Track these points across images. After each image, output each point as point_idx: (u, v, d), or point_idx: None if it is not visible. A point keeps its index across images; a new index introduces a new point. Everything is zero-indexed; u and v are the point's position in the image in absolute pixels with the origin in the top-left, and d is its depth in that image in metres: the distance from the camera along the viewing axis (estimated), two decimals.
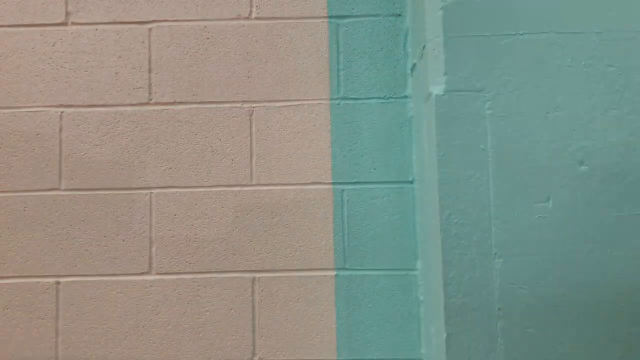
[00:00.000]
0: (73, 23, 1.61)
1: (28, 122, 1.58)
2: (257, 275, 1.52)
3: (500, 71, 1.22)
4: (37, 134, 1.57)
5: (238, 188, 1.55)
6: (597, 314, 1.17)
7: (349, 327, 1.51)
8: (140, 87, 1.59)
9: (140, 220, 1.54)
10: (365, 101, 1.57)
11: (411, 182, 1.54)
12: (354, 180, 1.54)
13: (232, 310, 1.52)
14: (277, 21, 1.59)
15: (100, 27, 1.60)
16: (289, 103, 1.57)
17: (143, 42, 1.60)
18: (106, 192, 1.55)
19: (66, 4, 1.61)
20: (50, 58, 1.60)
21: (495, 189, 1.19)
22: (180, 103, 1.57)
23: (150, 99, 1.58)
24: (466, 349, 1.17)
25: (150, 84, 1.59)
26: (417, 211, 1.51)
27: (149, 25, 1.60)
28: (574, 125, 1.20)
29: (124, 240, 1.54)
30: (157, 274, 1.54)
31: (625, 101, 1.21)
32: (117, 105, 1.58)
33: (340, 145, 1.56)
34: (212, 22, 1.59)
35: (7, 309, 1.53)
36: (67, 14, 1.61)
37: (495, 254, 1.18)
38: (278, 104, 1.57)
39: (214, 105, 1.57)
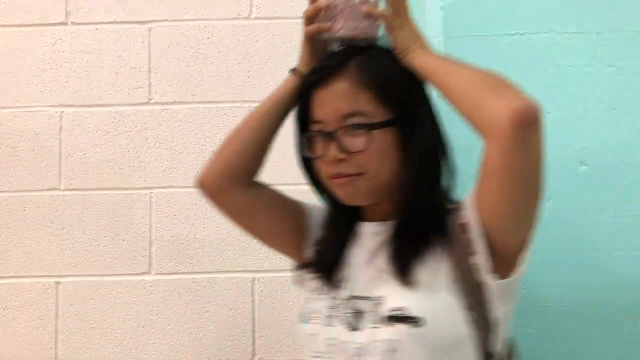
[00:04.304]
0: (73, 23, 1.61)
1: (28, 122, 1.57)
2: (257, 275, 1.52)
3: (500, 71, 1.22)
4: (37, 134, 1.57)
5: None
6: (597, 313, 1.17)
7: None
8: (140, 87, 1.59)
9: (140, 220, 1.54)
10: None
11: None
12: None
13: (232, 310, 1.52)
14: (277, 21, 1.59)
15: (100, 27, 1.60)
16: None
17: (143, 42, 1.60)
18: (106, 192, 1.55)
19: (66, 3, 1.60)
20: (50, 58, 1.59)
21: None
22: (180, 103, 1.57)
23: (150, 99, 1.58)
24: None
25: (150, 84, 1.59)
26: None
27: (149, 25, 1.60)
28: (574, 125, 1.20)
29: (124, 240, 1.54)
30: (157, 274, 1.53)
31: (626, 101, 1.20)
32: (117, 105, 1.58)
33: None
34: (212, 22, 1.59)
35: (7, 309, 1.53)
36: (67, 13, 1.61)
37: None
38: None
39: (214, 105, 1.57)
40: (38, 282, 1.53)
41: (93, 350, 1.52)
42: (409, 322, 0.80)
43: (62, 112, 1.58)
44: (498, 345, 0.86)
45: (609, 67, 1.22)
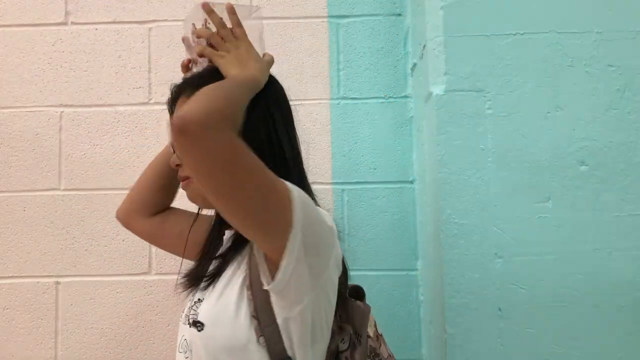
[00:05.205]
0: (73, 23, 1.61)
1: (28, 122, 1.58)
2: None
3: (500, 71, 1.22)
4: (37, 134, 1.57)
5: None
6: (597, 313, 1.17)
7: None
8: (139, 87, 1.59)
9: None
10: (365, 101, 1.57)
11: (411, 182, 1.54)
12: (354, 180, 1.54)
13: None
14: (277, 21, 1.59)
15: (100, 27, 1.60)
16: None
17: (143, 42, 1.60)
18: (106, 192, 1.55)
19: (66, 3, 1.61)
20: (50, 58, 1.60)
21: (495, 189, 1.19)
22: None
23: (150, 99, 1.58)
24: (466, 349, 1.17)
25: (149, 84, 1.59)
26: (417, 211, 1.51)
27: (149, 25, 1.60)
28: (574, 125, 1.20)
29: (123, 240, 1.54)
30: (157, 274, 1.53)
31: (626, 101, 1.20)
32: (117, 105, 1.58)
33: (340, 145, 1.55)
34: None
35: (7, 309, 1.53)
36: (67, 13, 1.61)
37: (495, 254, 1.18)
38: None
39: None
40: (38, 282, 1.53)
41: (93, 350, 1.52)
42: (197, 326, 0.89)
43: (62, 112, 1.58)
44: (296, 351, 0.87)
45: (609, 67, 1.22)
